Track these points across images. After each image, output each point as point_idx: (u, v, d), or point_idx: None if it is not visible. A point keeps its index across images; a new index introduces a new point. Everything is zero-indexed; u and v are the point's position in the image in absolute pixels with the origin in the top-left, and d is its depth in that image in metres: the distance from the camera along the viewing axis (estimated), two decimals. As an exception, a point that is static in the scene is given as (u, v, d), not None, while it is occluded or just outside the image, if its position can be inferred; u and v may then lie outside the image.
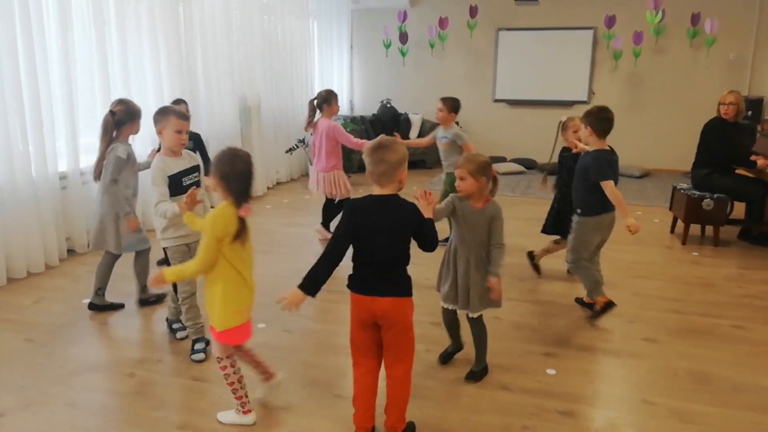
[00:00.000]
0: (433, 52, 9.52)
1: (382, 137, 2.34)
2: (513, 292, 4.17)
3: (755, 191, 5.16)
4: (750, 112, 7.59)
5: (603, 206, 3.54)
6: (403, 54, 9.50)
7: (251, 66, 7.12)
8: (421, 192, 2.55)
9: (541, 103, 9.24)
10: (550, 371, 3.08)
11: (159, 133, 3.07)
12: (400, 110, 9.48)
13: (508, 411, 2.71)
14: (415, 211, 2.37)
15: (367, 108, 9.97)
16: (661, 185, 7.89)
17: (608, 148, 3.57)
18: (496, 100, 9.48)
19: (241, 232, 2.39)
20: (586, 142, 3.71)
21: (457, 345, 3.18)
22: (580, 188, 3.61)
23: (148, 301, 3.87)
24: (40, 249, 4.41)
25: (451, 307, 3.00)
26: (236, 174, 2.36)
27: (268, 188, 7.65)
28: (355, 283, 2.39)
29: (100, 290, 3.73)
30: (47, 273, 4.44)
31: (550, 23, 8.98)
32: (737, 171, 5.30)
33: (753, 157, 5.07)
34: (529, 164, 8.96)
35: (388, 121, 9.11)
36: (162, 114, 3.07)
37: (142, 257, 3.77)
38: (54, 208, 4.55)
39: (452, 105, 4.97)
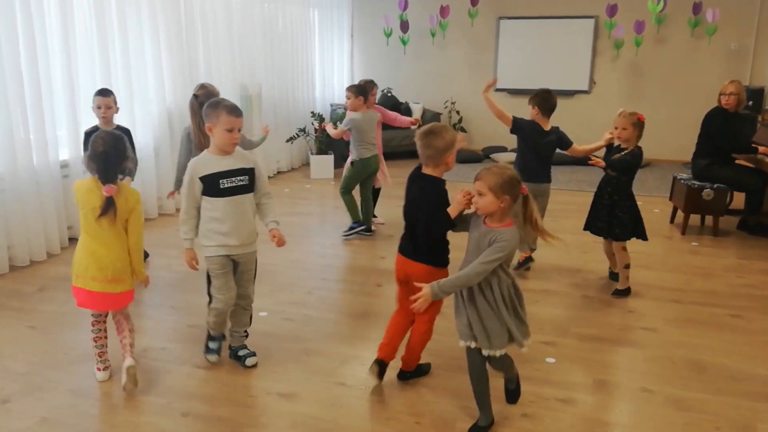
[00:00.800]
0: (434, 40, 9.49)
1: (433, 124, 2.61)
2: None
3: (755, 182, 5.18)
4: (751, 102, 7.59)
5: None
6: (404, 43, 9.47)
7: (252, 55, 7.11)
8: (463, 192, 2.43)
9: (542, 93, 9.22)
10: (550, 360, 3.11)
11: (209, 130, 2.71)
12: (401, 99, 9.47)
13: (508, 399, 2.75)
14: (439, 197, 2.57)
15: (368, 97, 9.95)
16: (661, 175, 7.89)
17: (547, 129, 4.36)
18: (497, 90, 9.44)
19: (107, 209, 2.61)
20: (532, 119, 4.37)
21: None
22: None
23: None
24: (42, 237, 4.43)
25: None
26: (95, 154, 2.60)
27: (269, 177, 7.65)
28: (399, 245, 2.78)
29: None
30: (49, 261, 4.46)
31: (552, 12, 8.95)
32: (737, 161, 5.32)
33: (754, 145, 5.08)
34: (530, 154, 8.95)
35: (390, 110, 9.09)
36: (213, 108, 2.69)
37: None
38: (55, 196, 4.56)
39: (357, 90, 5.02)
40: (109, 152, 2.61)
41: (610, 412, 2.68)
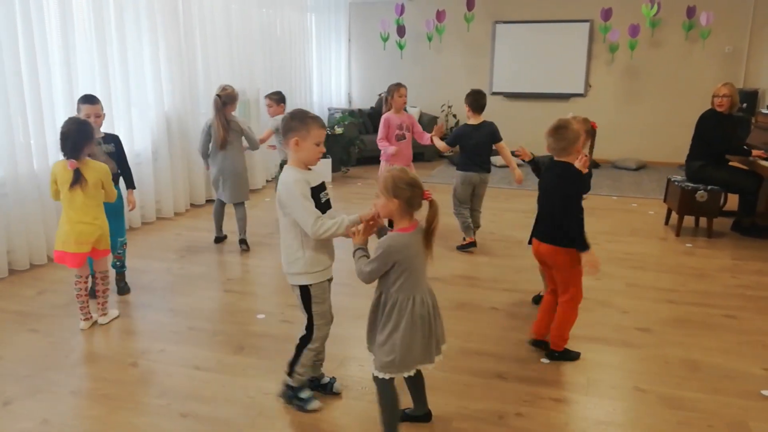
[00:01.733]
0: (430, 45, 9.55)
1: (559, 120, 2.98)
2: (508, 283, 4.23)
3: (749, 183, 5.22)
4: (745, 105, 7.65)
5: (464, 166, 4.84)
6: (401, 47, 9.53)
7: (250, 59, 7.15)
8: (367, 215, 2.35)
9: (538, 96, 9.29)
10: (545, 360, 3.14)
11: (295, 143, 2.44)
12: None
13: (503, 399, 2.77)
14: (574, 179, 2.95)
15: (365, 101, 10.01)
16: (657, 177, 7.95)
17: (477, 123, 4.79)
18: (494, 93, 9.51)
19: (75, 181, 3.22)
20: (467, 117, 4.85)
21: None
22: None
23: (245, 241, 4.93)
24: (42, 241, 4.47)
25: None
26: (61, 135, 3.21)
27: (267, 181, 7.69)
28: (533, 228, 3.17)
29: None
30: (50, 265, 4.49)
31: (547, 16, 9.01)
32: (731, 163, 5.36)
33: (747, 147, 5.13)
34: (527, 157, 9.00)
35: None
36: (301, 121, 2.45)
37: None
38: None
39: (277, 98, 5.42)
40: (71, 132, 3.19)
41: (604, 411, 2.71)
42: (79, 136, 3.21)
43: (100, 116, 3.73)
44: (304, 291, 2.55)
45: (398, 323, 2.26)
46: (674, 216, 5.57)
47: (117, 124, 5.23)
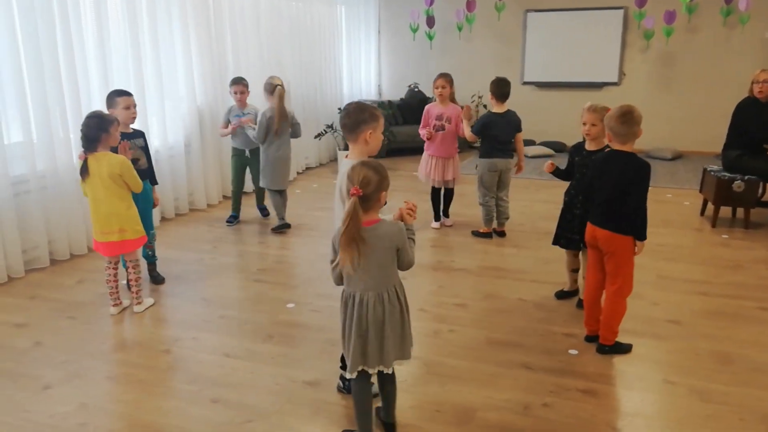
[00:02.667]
0: (460, 35, 9.47)
1: (622, 106, 2.96)
2: (537, 274, 4.21)
3: (788, 173, 5.07)
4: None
5: (489, 153, 4.87)
6: (431, 38, 9.48)
7: (280, 52, 7.21)
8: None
9: (570, 86, 9.14)
10: (572, 351, 3.12)
11: (369, 135, 2.49)
12: (428, 94, 9.47)
13: (529, 389, 2.77)
14: (647, 171, 2.98)
15: (395, 92, 10.00)
16: (693, 167, 7.77)
17: (501, 111, 4.88)
18: (525, 83, 9.40)
19: (82, 172, 3.37)
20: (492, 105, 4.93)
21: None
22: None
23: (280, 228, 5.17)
24: (81, 232, 4.61)
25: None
26: (80, 129, 3.36)
27: (298, 173, 7.77)
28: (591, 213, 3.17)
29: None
30: (89, 255, 4.64)
31: (580, 3, 8.85)
32: (769, 152, 5.22)
33: None
34: (558, 147, 8.89)
35: (416, 106, 9.12)
36: (371, 114, 2.51)
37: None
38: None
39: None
40: (86, 126, 3.33)
41: (631, 403, 2.69)
42: (92, 130, 3.32)
43: (131, 109, 3.83)
44: None
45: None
46: (710, 207, 5.45)
47: (150, 118, 5.36)
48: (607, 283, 3.11)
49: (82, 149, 3.40)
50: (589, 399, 2.70)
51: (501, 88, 4.81)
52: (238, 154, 5.40)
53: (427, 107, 5.26)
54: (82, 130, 3.35)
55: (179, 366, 3.02)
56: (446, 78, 5.13)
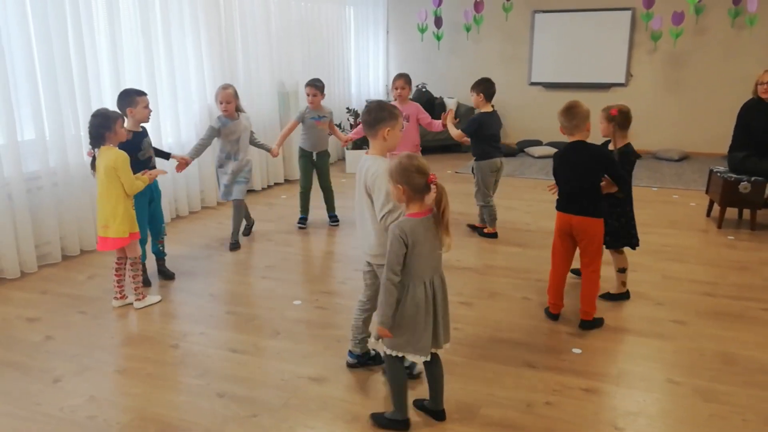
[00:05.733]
0: (468, 35, 9.49)
1: (569, 101, 3.30)
2: (542, 273, 4.22)
3: (795, 174, 5.06)
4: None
5: (488, 153, 4.95)
6: (438, 38, 9.50)
7: (289, 52, 7.26)
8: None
9: (578, 86, 9.14)
10: (576, 350, 3.14)
11: (388, 133, 2.62)
12: (436, 94, 9.50)
13: (532, 387, 2.80)
14: (601, 152, 3.30)
15: (403, 92, 10.03)
16: (699, 168, 7.75)
17: (490, 111, 4.91)
18: (532, 83, 9.41)
19: (92, 166, 3.51)
20: (476, 105, 4.98)
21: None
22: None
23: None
24: (92, 228, 4.67)
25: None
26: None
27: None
28: (558, 204, 3.40)
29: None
30: (99, 251, 4.69)
31: (587, 4, 8.84)
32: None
33: None
34: (565, 148, 8.88)
35: (424, 105, 9.14)
36: (390, 112, 2.65)
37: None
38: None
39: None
40: (90, 123, 3.42)
41: (634, 402, 2.70)
42: (96, 129, 3.39)
43: (149, 107, 3.90)
44: None
45: (400, 305, 2.32)
46: (716, 208, 5.44)
47: (163, 117, 5.42)
48: (587, 263, 3.35)
49: (90, 146, 3.48)
50: (592, 398, 2.72)
51: (489, 89, 4.88)
52: (305, 155, 5.31)
53: None
54: (88, 128, 3.43)
55: (187, 360, 3.06)
56: (405, 78, 5.15)
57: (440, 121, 5.04)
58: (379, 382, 2.86)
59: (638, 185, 6.95)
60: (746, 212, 5.43)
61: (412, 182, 2.26)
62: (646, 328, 3.41)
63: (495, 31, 9.43)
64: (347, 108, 8.18)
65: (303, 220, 5.43)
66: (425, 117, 5.19)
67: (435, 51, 9.75)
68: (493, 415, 2.59)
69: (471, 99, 4.98)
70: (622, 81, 8.90)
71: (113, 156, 3.41)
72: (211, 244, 4.92)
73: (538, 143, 9.09)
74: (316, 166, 5.35)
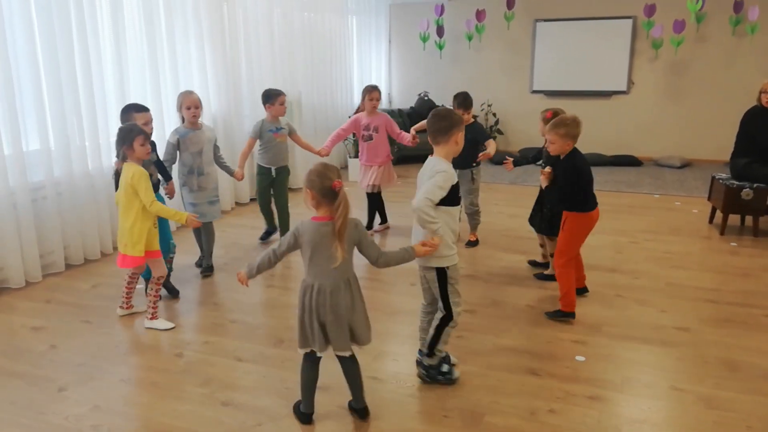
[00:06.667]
0: (470, 44, 9.54)
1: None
2: (545, 281, 4.23)
3: (797, 181, 5.07)
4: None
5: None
6: (440, 47, 9.55)
7: (292, 62, 7.31)
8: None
9: (579, 94, 9.17)
10: (579, 358, 3.14)
11: (458, 138, 2.74)
12: (438, 102, 9.53)
13: (536, 395, 2.80)
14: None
15: (405, 101, 10.08)
16: (702, 175, 7.76)
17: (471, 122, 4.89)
18: (534, 92, 9.45)
19: (117, 180, 3.43)
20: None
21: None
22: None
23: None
24: (96, 237, 4.70)
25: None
26: None
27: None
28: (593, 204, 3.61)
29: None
30: (103, 260, 4.73)
31: (589, 13, 8.89)
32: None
33: None
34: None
35: (426, 114, 9.14)
36: (459, 119, 2.78)
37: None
38: (109, 199, 4.81)
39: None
40: (117, 136, 3.36)
41: (638, 409, 2.70)
42: (116, 141, 3.37)
43: (149, 125, 3.75)
44: (441, 273, 2.75)
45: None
46: (719, 214, 5.45)
47: (168, 127, 5.44)
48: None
49: (116, 158, 3.44)
50: (595, 405, 2.72)
51: (464, 101, 4.85)
52: (263, 172, 4.96)
53: (354, 117, 5.34)
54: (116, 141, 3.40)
55: (191, 369, 3.07)
56: (379, 91, 5.25)
57: (410, 134, 5.14)
58: (383, 391, 2.86)
59: (640, 192, 6.97)
60: (749, 219, 5.43)
61: (316, 187, 2.34)
62: (650, 335, 3.41)
63: (497, 40, 9.48)
64: (349, 117, 8.18)
65: (267, 234, 5.24)
66: (394, 128, 5.25)
67: (437, 60, 9.79)
68: (497, 422, 2.59)
69: None
70: (624, 89, 8.93)
71: (131, 172, 3.32)
72: (215, 252, 4.92)
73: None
74: (273, 183, 4.97)
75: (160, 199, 3.87)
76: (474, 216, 5.10)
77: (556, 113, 3.79)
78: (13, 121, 4.08)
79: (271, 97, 4.78)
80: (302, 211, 5.72)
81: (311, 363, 2.56)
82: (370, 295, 4.06)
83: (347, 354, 2.52)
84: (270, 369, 3.06)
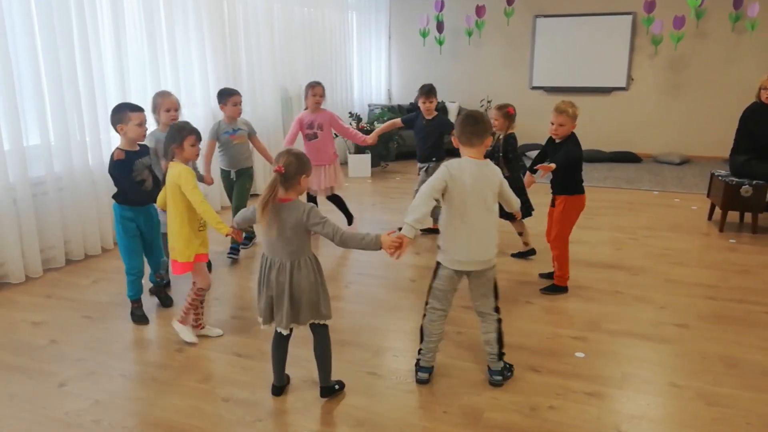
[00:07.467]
0: (470, 40, 9.53)
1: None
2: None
3: (796, 178, 5.08)
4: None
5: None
6: (440, 43, 9.54)
7: (292, 57, 7.30)
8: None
9: (579, 90, 9.17)
10: (579, 354, 3.15)
11: (485, 145, 2.81)
12: (437, 99, 9.53)
13: (536, 391, 2.80)
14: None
15: (405, 97, 10.07)
16: (701, 172, 7.77)
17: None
18: (534, 87, 9.44)
19: (163, 179, 3.24)
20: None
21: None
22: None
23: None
24: (96, 232, 4.70)
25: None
26: None
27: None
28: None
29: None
30: (103, 255, 4.73)
31: (589, 9, 8.88)
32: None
33: None
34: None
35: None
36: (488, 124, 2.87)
37: None
38: (109, 194, 4.78)
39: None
40: (165, 139, 3.20)
41: (637, 405, 2.71)
42: (166, 139, 3.17)
43: (144, 125, 3.49)
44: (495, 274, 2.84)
45: None
46: (718, 211, 5.46)
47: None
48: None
49: (164, 159, 3.29)
50: (595, 402, 2.73)
51: (433, 90, 5.06)
52: (224, 176, 4.70)
53: (299, 116, 5.08)
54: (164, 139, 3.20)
55: (192, 365, 3.08)
56: (323, 87, 5.05)
57: (371, 136, 5.13)
58: (383, 387, 2.87)
59: (639, 188, 6.98)
60: (748, 216, 5.44)
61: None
62: (649, 331, 3.42)
63: (496, 35, 9.47)
64: (350, 113, 8.20)
65: (247, 240, 4.90)
66: (340, 124, 5.07)
67: (437, 55, 9.78)
68: (496, 418, 2.60)
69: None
70: (623, 85, 8.93)
71: (177, 171, 3.10)
72: (215, 248, 4.91)
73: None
74: (234, 185, 4.65)
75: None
76: (434, 209, 5.12)
77: (504, 105, 4.53)
78: (14, 116, 4.08)
79: (223, 96, 4.49)
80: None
81: (276, 335, 2.72)
82: (370, 291, 4.07)
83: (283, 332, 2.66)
84: (269, 364, 3.04)
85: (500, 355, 2.87)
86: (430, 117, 5.04)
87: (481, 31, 9.34)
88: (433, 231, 4.86)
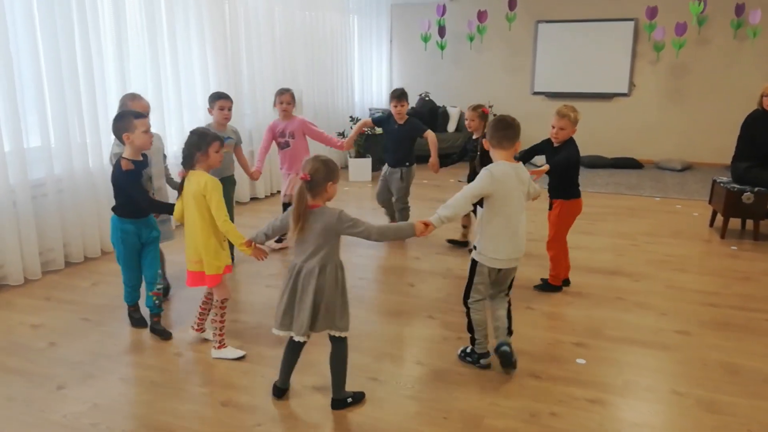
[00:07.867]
0: (471, 45, 9.54)
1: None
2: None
3: (798, 185, 5.07)
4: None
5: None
6: (442, 47, 9.55)
7: (293, 61, 7.31)
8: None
9: (580, 96, 9.17)
10: (580, 361, 3.14)
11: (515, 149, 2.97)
12: (439, 103, 9.55)
13: (537, 398, 2.79)
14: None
15: (406, 101, 10.07)
16: (702, 179, 7.77)
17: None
18: (535, 93, 9.45)
19: (179, 189, 3.10)
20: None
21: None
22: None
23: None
24: (96, 235, 4.69)
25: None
26: None
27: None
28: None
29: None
30: (103, 258, 4.72)
31: (591, 15, 8.90)
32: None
33: None
34: (568, 157, 8.92)
35: (427, 114, 9.19)
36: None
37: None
38: (110, 197, 4.74)
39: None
40: (183, 145, 3.06)
41: (638, 413, 2.70)
42: (188, 146, 3.02)
43: (150, 132, 3.33)
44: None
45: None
46: (719, 218, 5.45)
47: (169, 125, 5.44)
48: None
49: (182, 167, 3.13)
50: (596, 408, 2.72)
51: (405, 94, 5.07)
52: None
53: (270, 124, 4.96)
54: (183, 146, 3.06)
55: (191, 369, 3.07)
56: (291, 94, 4.93)
57: (345, 140, 5.16)
58: (383, 392, 2.86)
59: (641, 195, 6.97)
60: (749, 222, 5.43)
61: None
62: (650, 338, 3.40)
63: (498, 40, 9.48)
64: (350, 116, 8.21)
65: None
66: (313, 130, 4.95)
67: (438, 60, 9.79)
68: (497, 425, 2.59)
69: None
70: (625, 91, 8.94)
71: (203, 182, 2.96)
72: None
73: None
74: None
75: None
76: (402, 212, 5.21)
77: (479, 105, 4.62)
78: (14, 117, 4.07)
79: (211, 99, 4.34)
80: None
81: (289, 341, 2.73)
82: (370, 295, 4.06)
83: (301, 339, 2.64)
84: (269, 369, 3.05)
85: (509, 331, 3.04)
86: (402, 122, 5.07)
87: (483, 36, 9.35)
88: (462, 244, 5.06)
